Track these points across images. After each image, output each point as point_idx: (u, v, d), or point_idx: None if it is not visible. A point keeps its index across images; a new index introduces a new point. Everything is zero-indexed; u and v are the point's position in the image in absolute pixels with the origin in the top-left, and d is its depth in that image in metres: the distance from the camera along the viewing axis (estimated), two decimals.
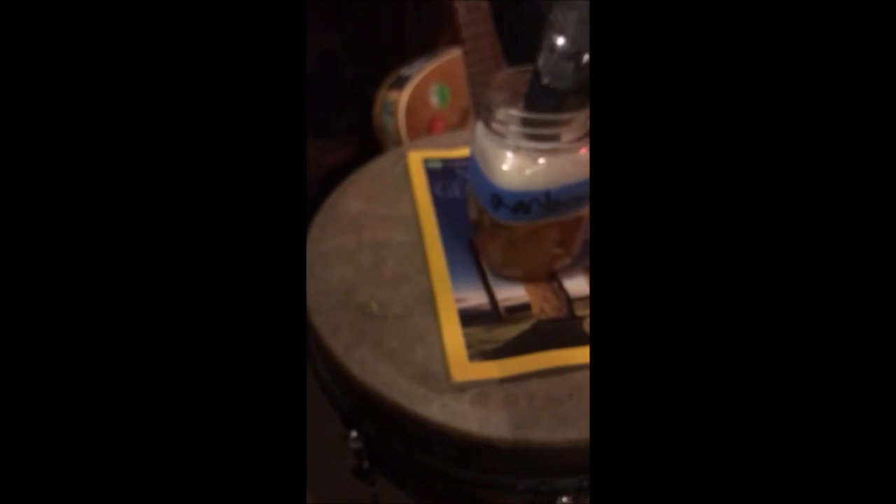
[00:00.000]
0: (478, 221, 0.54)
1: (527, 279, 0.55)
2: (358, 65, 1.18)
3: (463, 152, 0.67)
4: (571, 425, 0.44)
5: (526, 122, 0.47)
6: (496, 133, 0.48)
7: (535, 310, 0.52)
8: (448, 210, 0.62)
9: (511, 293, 0.54)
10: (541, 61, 0.44)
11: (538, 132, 0.46)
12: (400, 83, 1.06)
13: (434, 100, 1.07)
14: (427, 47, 1.11)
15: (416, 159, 0.69)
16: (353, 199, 0.64)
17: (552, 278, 0.55)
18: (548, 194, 0.48)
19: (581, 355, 0.48)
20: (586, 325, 0.51)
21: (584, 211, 0.51)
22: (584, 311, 0.52)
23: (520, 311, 0.52)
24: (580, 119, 0.47)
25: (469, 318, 0.51)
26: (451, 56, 1.07)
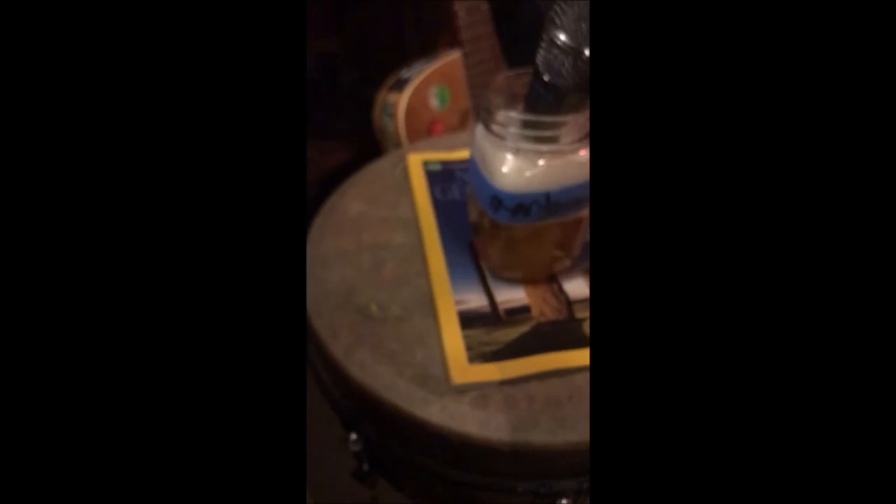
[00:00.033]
0: (477, 223, 0.54)
1: (526, 281, 0.55)
2: (358, 67, 1.19)
3: (462, 154, 0.67)
4: (571, 428, 0.44)
5: (526, 124, 0.47)
6: (496, 135, 0.48)
7: (534, 312, 0.52)
8: (448, 212, 0.62)
9: (511, 295, 0.54)
10: (540, 57, 0.44)
11: (538, 134, 0.47)
12: (400, 85, 1.06)
13: (434, 102, 1.08)
14: (427, 49, 1.11)
15: (416, 161, 0.69)
16: (353, 201, 0.64)
17: (552, 280, 0.55)
18: (547, 196, 0.48)
19: (581, 357, 0.48)
20: (586, 328, 0.51)
21: (584, 213, 0.51)
22: (583, 314, 0.52)
23: (519, 313, 0.52)
24: (580, 121, 0.47)
25: (469, 320, 0.51)
26: (451, 58, 1.07)
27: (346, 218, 0.62)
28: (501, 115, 0.48)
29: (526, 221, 0.49)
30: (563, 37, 0.42)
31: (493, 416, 0.44)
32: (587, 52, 0.42)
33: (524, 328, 0.51)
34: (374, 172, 0.69)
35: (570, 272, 0.56)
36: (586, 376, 0.47)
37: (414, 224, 0.61)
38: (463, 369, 0.47)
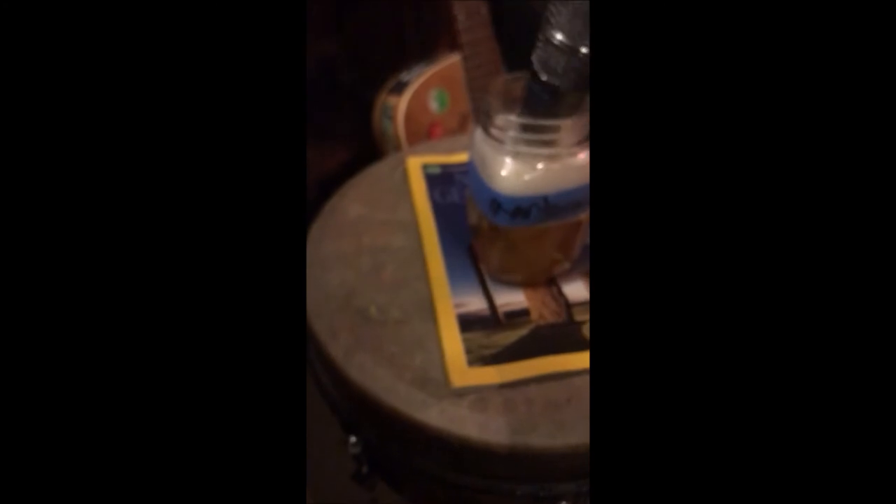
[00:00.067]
0: (477, 226, 0.54)
1: (526, 284, 0.55)
2: (357, 69, 1.19)
3: (462, 157, 0.67)
4: (570, 430, 0.44)
5: (525, 128, 0.47)
6: (495, 138, 0.48)
7: (534, 315, 0.52)
8: (447, 215, 0.62)
9: (510, 298, 0.54)
10: (537, 57, 0.44)
11: (537, 137, 0.47)
12: (399, 88, 1.06)
13: (433, 105, 1.08)
14: (426, 52, 1.11)
15: (416, 164, 0.69)
16: (353, 204, 0.64)
17: (551, 283, 0.55)
18: (546, 199, 0.48)
19: (580, 360, 0.48)
20: (585, 331, 0.51)
21: (584, 215, 0.51)
22: (583, 317, 0.52)
23: (519, 316, 0.52)
24: (578, 124, 0.47)
25: (468, 323, 0.51)
26: (451, 61, 1.07)
27: (345, 220, 0.62)
28: (500, 119, 0.48)
29: (525, 224, 0.49)
30: (559, 35, 0.42)
31: (493, 419, 0.44)
32: (584, 50, 0.42)
33: (523, 331, 0.51)
34: (374, 175, 0.69)
35: (569, 275, 0.56)
36: (585, 379, 0.47)
37: (413, 227, 0.61)
38: (462, 372, 0.47)
